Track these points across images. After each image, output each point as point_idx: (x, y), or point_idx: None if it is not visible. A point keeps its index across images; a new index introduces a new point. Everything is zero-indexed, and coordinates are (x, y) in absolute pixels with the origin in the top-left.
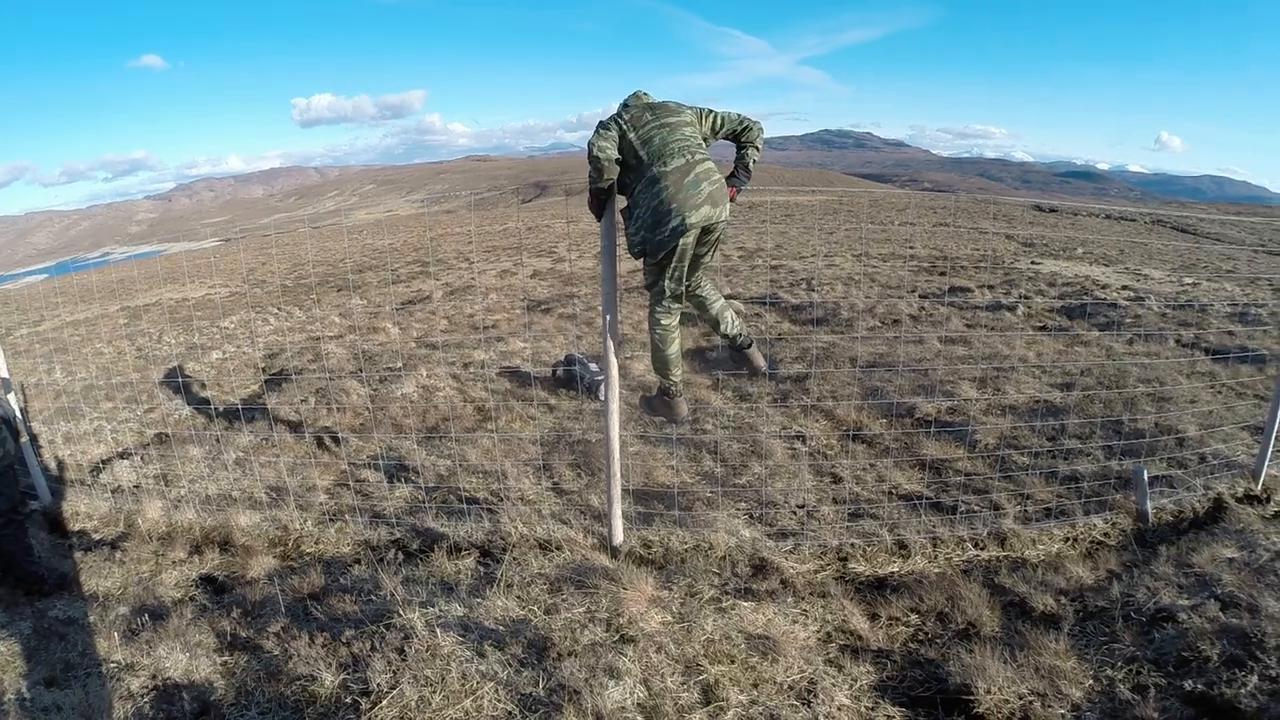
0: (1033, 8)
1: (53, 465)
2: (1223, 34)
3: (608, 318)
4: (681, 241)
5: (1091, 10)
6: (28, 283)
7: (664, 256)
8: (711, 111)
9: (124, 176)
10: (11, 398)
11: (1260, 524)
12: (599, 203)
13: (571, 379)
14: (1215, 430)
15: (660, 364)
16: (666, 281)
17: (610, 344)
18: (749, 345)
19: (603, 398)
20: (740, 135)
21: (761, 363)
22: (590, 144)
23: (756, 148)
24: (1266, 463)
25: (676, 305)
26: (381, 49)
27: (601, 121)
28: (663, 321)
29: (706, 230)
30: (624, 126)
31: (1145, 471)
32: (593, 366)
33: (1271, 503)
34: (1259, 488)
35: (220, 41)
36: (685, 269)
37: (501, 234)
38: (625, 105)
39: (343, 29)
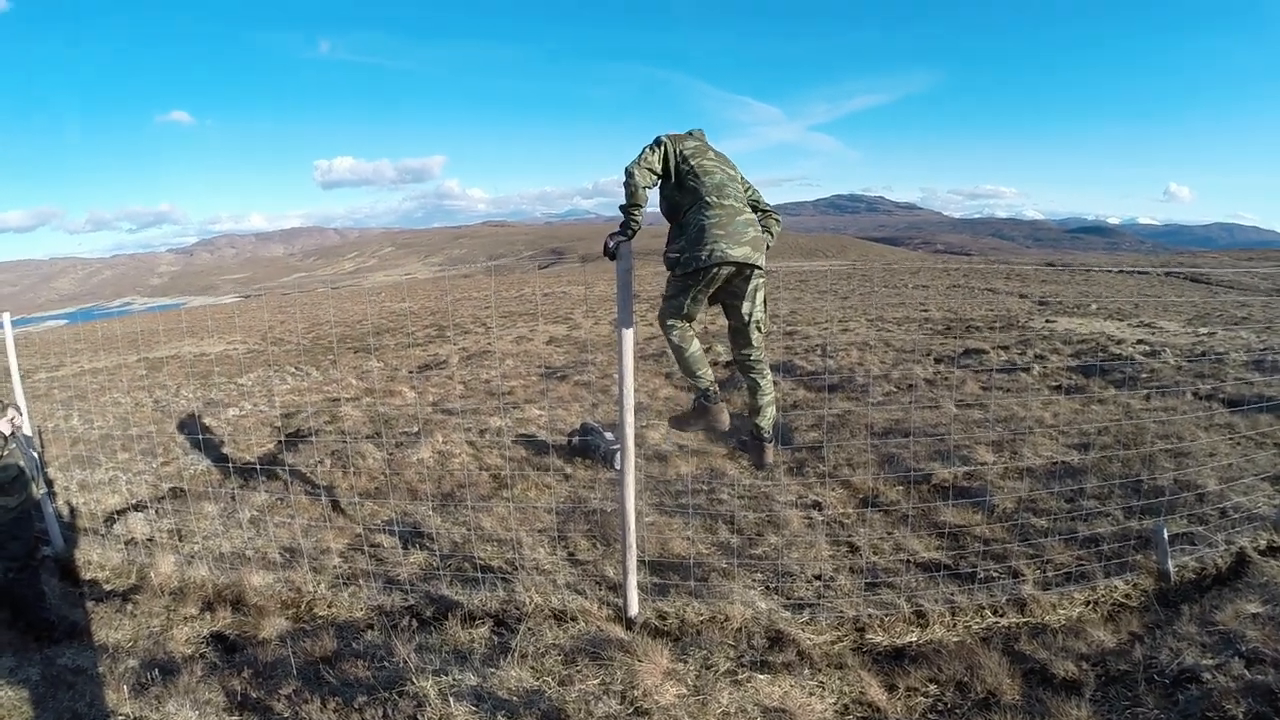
0: (1036, 68)
1: (66, 513)
2: (1225, 83)
3: (623, 388)
4: (717, 271)
5: (1095, 68)
6: (48, 327)
7: (693, 276)
8: (750, 184)
9: (148, 228)
10: (31, 444)
11: None
12: (620, 242)
13: (587, 448)
14: (1236, 483)
15: (685, 366)
16: (687, 301)
17: (627, 414)
18: (769, 442)
19: (618, 467)
20: (760, 219)
21: (769, 460)
22: (631, 166)
23: (772, 235)
24: None
25: (687, 324)
26: (402, 115)
27: (657, 138)
28: (676, 325)
29: (740, 275)
30: (685, 152)
31: (1165, 529)
32: (608, 435)
33: None
34: None
35: (246, 101)
36: (706, 297)
37: (518, 299)
38: (690, 134)
39: (365, 94)
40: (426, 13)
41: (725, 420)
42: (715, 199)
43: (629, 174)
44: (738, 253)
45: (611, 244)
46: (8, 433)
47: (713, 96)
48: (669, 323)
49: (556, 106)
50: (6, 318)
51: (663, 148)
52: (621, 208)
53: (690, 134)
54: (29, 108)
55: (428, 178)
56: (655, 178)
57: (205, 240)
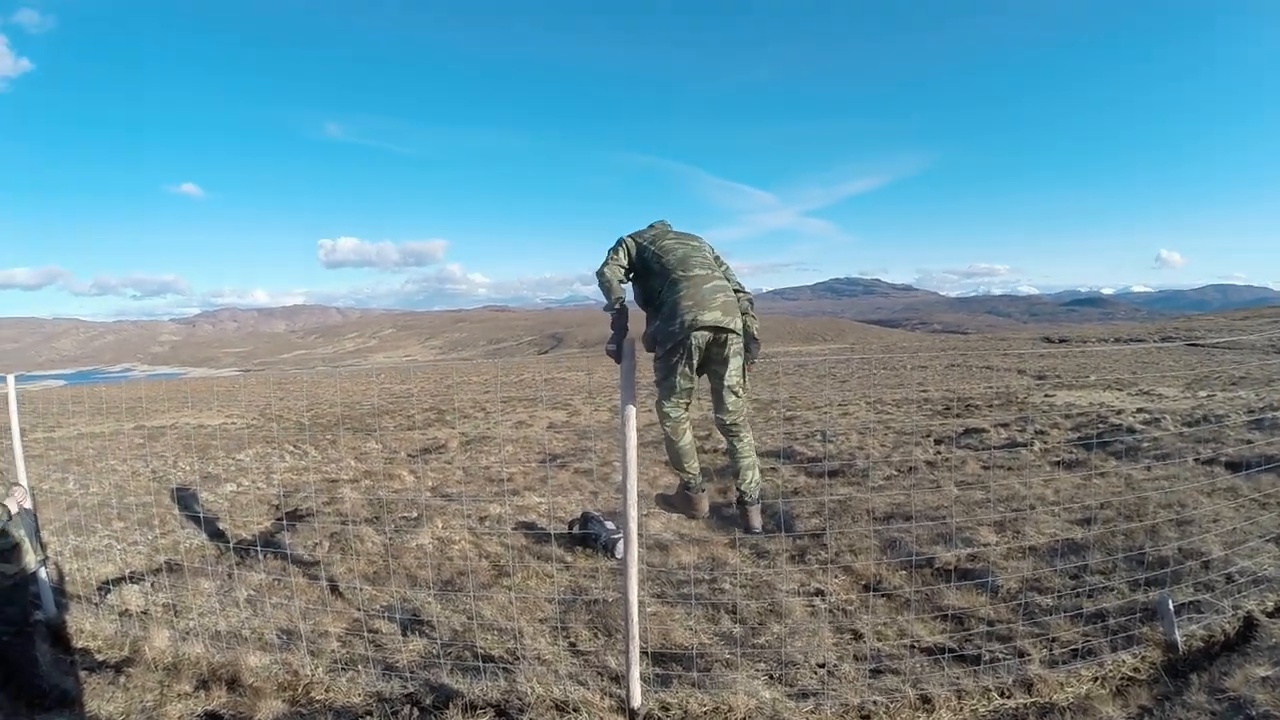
0: (1024, 146)
1: (59, 579)
2: (1208, 149)
3: (627, 479)
4: (693, 338)
5: (1080, 144)
6: (47, 386)
7: (674, 350)
8: (721, 259)
9: (152, 297)
10: (33, 514)
11: None
12: (619, 342)
13: (588, 537)
14: (1240, 546)
15: (674, 457)
16: (676, 378)
17: (630, 504)
18: (753, 504)
19: (619, 556)
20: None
21: (757, 523)
22: (601, 268)
23: (753, 316)
24: None
25: (684, 400)
26: (407, 198)
27: (618, 239)
28: (671, 414)
29: (717, 341)
30: (643, 242)
31: (1171, 600)
32: (609, 524)
33: None
34: None
35: (255, 178)
36: (694, 369)
37: (518, 384)
38: (650, 226)
39: (371, 176)
40: (432, 100)
41: (705, 509)
42: (681, 272)
43: (601, 275)
44: (708, 317)
45: (613, 347)
46: (15, 511)
47: (709, 183)
48: (666, 409)
49: (557, 194)
50: (11, 380)
51: (623, 245)
52: (606, 308)
53: (651, 226)
54: (45, 168)
55: (430, 261)
56: (625, 271)
57: (208, 312)
